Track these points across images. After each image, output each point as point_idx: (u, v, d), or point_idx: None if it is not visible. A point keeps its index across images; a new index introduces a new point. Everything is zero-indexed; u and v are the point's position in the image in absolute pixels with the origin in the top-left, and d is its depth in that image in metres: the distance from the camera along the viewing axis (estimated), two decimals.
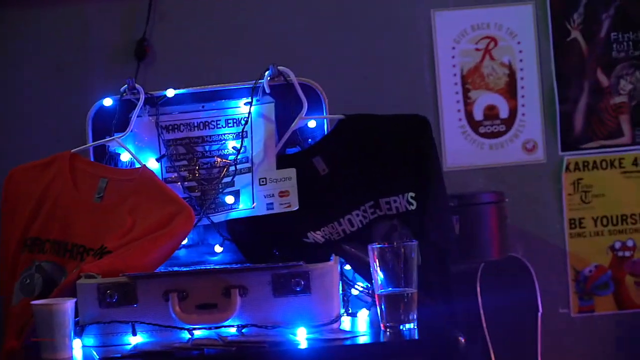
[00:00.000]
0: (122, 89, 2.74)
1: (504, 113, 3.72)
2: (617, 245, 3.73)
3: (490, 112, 3.72)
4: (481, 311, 3.35)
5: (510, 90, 3.72)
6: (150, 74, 3.45)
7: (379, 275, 2.31)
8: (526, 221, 3.67)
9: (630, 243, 3.73)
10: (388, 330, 2.32)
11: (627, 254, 3.73)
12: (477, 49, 3.71)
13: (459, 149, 3.69)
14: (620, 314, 3.72)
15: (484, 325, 3.37)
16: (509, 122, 3.72)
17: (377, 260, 2.31)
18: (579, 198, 3.73)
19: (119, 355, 2.23)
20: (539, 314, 3.54)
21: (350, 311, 2.52)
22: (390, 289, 2.30)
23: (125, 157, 2.73)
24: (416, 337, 2.28)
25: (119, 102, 2.75)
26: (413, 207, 2.67)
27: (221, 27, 3.58)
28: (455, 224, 3.20)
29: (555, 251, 3.70)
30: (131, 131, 2.71)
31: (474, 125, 3.72)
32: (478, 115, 3.71)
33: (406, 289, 2.30)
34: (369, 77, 3.62)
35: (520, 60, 3.71)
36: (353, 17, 3.64)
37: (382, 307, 2.31)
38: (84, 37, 3.49)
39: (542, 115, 3.72)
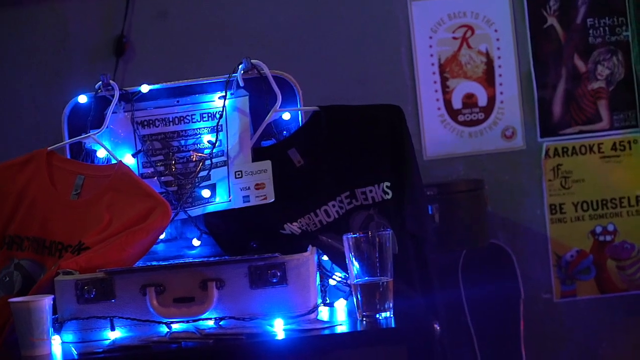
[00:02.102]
0: (96, 85, 2.75)
1: (482, 101, 3.79)
2: (598, 229, 3.80)
3: (469, 100, 3.79)
4: (463, 299, 3.38)
5: (488, 78, 3.79)
6: (130, 70, 3.48)
7: (355, 265, 2.32)
8: (507, 208, 3.75)
9: (610, 227, 3.80)
10: (364, 319, 2.32)
11: (608, 238, 3.80)
12: (454, 38, 3.79)
13: (439, 138, 3.75)
14: (602, 298, 3.80)
15: (467, 312, 3.40)
16: (488, 109, 3.79)
17: (352, 250, 2.32)
18: (559, 184, 3.79)
19: (99, 350, 2.23)
20: (521, 299, 3.58)
21: (328, 301, 2.52)
22: (366, 278, 2.31)
23: (101, 153, 2.73)
24: (392, 326, 2.28)
25: (95, 98, 2.75)
26: (389, 197, 2.68)
27: (199, 22, 3.62)
28: (436, 213, 3.22)
29: (536, 237, 3.77)
30: (107, 127, 2.71)
31: (453, 113, 3.78)
32: (457, 103, 3.79)
33: (382, 278, 2.30)
34: (346, 68, 3.70)
35: (498, 48, 3.78)
36: (330, 9, 3.68)
37: (359, 296, 2.32)
38: (63, 35, 3.52)
39: (521, 102, 3.78)
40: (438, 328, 2.27)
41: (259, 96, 2.74)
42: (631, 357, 3.80)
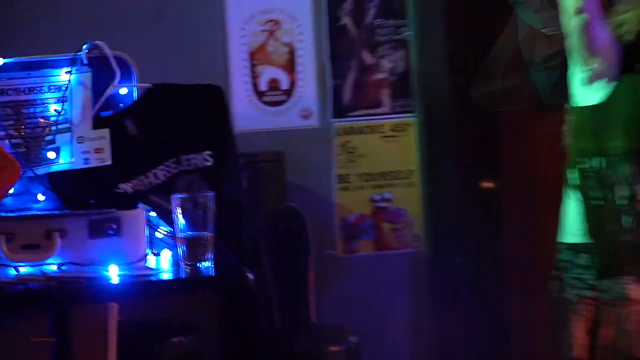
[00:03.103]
0: None
1: (284, 85, 4.04)
2: (377, 197, 4.10)
3: (274, 84, 4.02)
4: (264, 255, 3.60)
5: (291, 66, 4.03)
6: None
7: (181, 221, 2.50)
8: (302, 177, 4.01)
9: (387, 195, 4.10)
10: (188, 267, 2.50)
11: (385, 204, 4.09)
12: (263, 30, 4.00)
13: (247, 115, 3.98)
14: (379, 255, 4.08)
15: (266, 267, 3.62)
16: (289, 92, 4.04)
17: (179, 208, 2.51)
18: (346, 158, 4.06)
19: None
20: (311, 255, 3.85)
21: (155, 251, 2.72)
22: (190, 232, 2.50)
23: None
24: (211, 274, 2.49)
25: None
26: (210, 164, 2.86)
27: (48, 3, 3.79)
28: (244, 179, 3.35)
29: (325, 202, 4.06)
30: None
31: (260, 94, 4.02)
32: (263, 86, 4.02)
33: (203, 233, 2.50)
34: (176, 52, 3.91)
35: (300, 41, 4.02)
36: (161, 3, 3.93)
37: (183, 248, 2.50)
38: None
39: (317, 87, 4.04)
40: (252, 277, 2.49)
41: (102, 73, 2.88)
42: (405, 306, 4.08)
